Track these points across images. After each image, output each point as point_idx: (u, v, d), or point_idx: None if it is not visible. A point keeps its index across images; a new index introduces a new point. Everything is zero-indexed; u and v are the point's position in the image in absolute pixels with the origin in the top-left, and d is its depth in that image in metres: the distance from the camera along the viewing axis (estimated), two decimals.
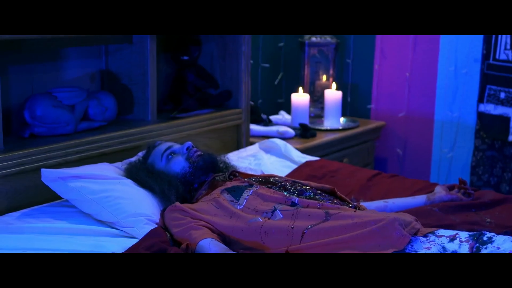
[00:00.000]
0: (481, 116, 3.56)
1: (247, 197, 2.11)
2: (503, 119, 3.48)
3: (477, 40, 3.53)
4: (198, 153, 2.32)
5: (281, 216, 2.01)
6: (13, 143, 2.37)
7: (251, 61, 3.42)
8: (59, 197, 2.25)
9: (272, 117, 3.69)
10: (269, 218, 2.02)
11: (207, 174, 2.33)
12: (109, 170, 2.32)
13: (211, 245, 1.95)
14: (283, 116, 3.75)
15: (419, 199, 2.39)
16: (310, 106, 3.71)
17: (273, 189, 2.16)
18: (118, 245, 1.99)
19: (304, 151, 3.14)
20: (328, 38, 3.85)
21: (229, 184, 2.22)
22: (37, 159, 2.30)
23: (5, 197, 2.23)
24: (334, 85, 3.75)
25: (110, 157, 2.52)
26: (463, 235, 1.93)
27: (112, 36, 2.78)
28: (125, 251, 1.94)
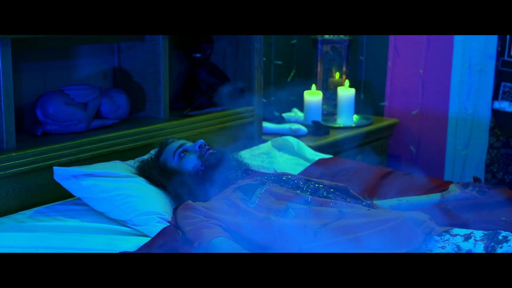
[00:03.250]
0: (495, 113, 3.53)
1: (259, 196, 2.10)
2: None
3: (491, 37, 3.50)
4: (210, 151, 2.32)
5: (294, 215, 2.00)
6: (25, 141, 2.37)
7: (264, 59, 3.41)
8: (71, 195, 2.25)
9: (285, 115, 3.67)
10: (281, 217, 2.01)
11: (220, 172, 2.32)
12: (121, 168, 2.32)
13: (223, 243, 1.94)
14: (295, 113, 3.73)
15: (433, 198, 2.37)
16: (323, 104, 3.70)
17: (286, 187, 2.15)
18: (130, 243, 1.99)
19: (317, 148, 3.13)
20: (341, 36, 3.83)
21: (242, 183, 2.21)
22: (50, 157, 2.30)
23: (17, 195, 2.24)
24: (347, 82, 3.73)
25: (122, 155, 2.52)
26: (478, 234, 1.91)
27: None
28: (137, 249, 1.94)
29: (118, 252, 1.89)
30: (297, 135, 3.32)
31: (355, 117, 3.72)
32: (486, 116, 3.59)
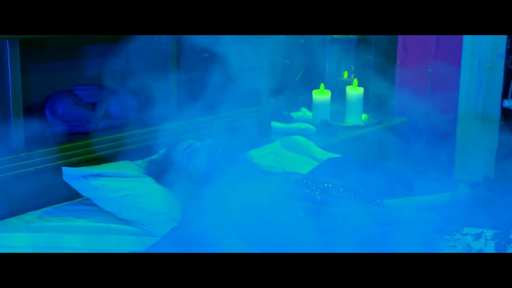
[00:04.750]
0: (505, 112, 3.51)
1: (269, 195, 2.10)
2: None
3: (501, 35, 3.49)
4: (219, 150, 2.31)
5: (303, 215, 2.00)
6: (34, 141, 2.37)
7: (272, 58, 3.41)
8: (80, 195, 2.25)
9: (293, 114, 3.67)
10: (291, 217, 2.00)
11: (228, 171, 2.31)
12: (130, 168, 2.31)
13: (232, 243, 1.93)
14: (304, 113, 3.73)
15: (443, 197, 2.36)
16: (331, 103, 3.69)
17: (295, 187, 2.15)
18: (138, 243, 1.99)
19: (325, 148, 3.12)
20: (349, 34, 3.82)
21: (251, 182, 2.20)
22: (58, 157, 2.30)
23: (26, 195, 2.24)
24: (355, 81, 3.72)
25: (131, 155, 2.52)
26: (489, 233, 1.90)
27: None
28: (146, 249, 1.94)
29: (126, 252, 1.89)
30: (305, 134, 3.31)
31: (364, 116, 3.71)
32: (495, 114, 3.58)
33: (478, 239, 1.88)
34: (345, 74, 3.85)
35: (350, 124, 3.58)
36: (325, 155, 2.95)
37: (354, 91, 3.61)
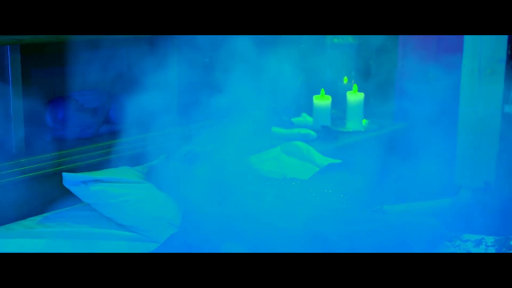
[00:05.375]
0: (506, 117, 3.51)
1: (269, 201, 2.10)
2: None
3: (501, 40, 3.49)
4: (220, 156, 2.31)
5: (304, 220, 1.99)
6: (34, 146, 2.37)
7: (272, 63, 3.40)
8: (80, 201, 2.25)
9: (294, 119, 3.66)
10: (291, 222, 2.00)
11: (229, 177, 2.31)
12: (130, 174, 2.31)
13: (231, 247, 1.93)
14: (304, 118, 3.72)
15: (444, 203, 2.36)
16: (332, 108, 3.69)
17: (295, 193, 2.15)
18: (139, 249, 1.99)
19: (326, 153, 3.11)
20: (350, 39, 3.82)
21: (252, 188, 2.20)
22: (59, 162, 2.31)
23: (26, 201, 2.24)
24: (355, 86, 3.72)
25: (131, 161, 2.52)
26: (489, 239, 1.91)
27: (133, 39, 2.78)
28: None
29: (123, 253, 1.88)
30: (306, 140, 3.30)
31: (364, 122, 3.71)
32: (496, 120, 3.58)
33: (479, 246, 1.88)
34: (345, 80, 3.85)
35: (350, 130, 3.58)
36: (325, 160, 2.95)
37: (355, 97, 3.61)
